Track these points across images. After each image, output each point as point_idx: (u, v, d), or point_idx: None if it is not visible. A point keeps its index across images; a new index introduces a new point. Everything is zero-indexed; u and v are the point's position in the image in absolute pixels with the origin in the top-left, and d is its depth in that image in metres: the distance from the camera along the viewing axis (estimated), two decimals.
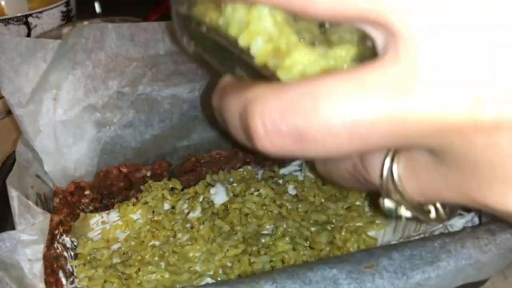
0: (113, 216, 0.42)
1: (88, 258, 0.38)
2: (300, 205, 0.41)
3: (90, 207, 0.42)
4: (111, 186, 0.43)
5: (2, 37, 0.37)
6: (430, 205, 0.21)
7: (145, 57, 0.42)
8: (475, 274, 0.28)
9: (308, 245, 0.38)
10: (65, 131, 0.40)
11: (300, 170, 0.46)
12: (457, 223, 0.39)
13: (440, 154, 0.18)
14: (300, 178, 0.45)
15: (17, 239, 0.31)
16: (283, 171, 0.46)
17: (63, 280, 0.35)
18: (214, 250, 0.37)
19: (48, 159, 0.39)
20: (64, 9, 0.70)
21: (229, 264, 0.36)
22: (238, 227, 0.39)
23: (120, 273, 0.36)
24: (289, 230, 0.39)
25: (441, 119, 0.16)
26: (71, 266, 0.37)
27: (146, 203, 0.42)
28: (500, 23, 0.15)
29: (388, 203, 0.20)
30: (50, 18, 0.68)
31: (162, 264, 0.37)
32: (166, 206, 0.42)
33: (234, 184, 0.43)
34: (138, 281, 0.35)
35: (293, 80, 0.19)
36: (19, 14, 0.66)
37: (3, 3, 0.78)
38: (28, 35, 0.67)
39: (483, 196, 0.18)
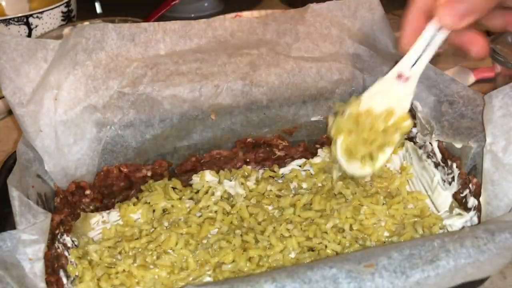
0: (113, 215, 0.42)
1: (89, 257, 0.38)
2: (297, 204, 0.41)
3: (91, 207, 0.42)
4: (112, 185, 0.43)
5: (3, 38, 0.37)
6: None
7: (145, 57, 0.42)
8: (475, 273, 0.28)
9: (306, 246, 0.38)
10: (66, 131, 0.40)
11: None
12: (456, 223, 0.39)
13: None
14: (300, 177, 0.45)
15: (18, 239, 0.31)
16: (282, 170, 0.47)
17: (64, 280, 0.35)
18: (214, 250, 0.37)
19: (48, 158, 0.39)
20: (65, 9, 0.71)
21: (228, 263, 0.36)
22: (237, 227, 0.40)
23: (120, 272, 0.36)
24: (288, 229, 0.39)
25: None
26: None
27: (146, 202, 0.42)
28: None
29: None
30: (51, 18, 0.68)
31: (162, 263, 0.37)
32: (167, 205, 0.42)
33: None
34: (138, 280, 0.36)
35: None
36: (20, 15, 0.66)
37: (3, 3, 0.78)
38: (29, 35, 0.67)
39: None
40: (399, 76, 0.36)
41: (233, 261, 0.37)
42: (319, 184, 0.44)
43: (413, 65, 0.35)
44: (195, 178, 0.44)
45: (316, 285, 0.26)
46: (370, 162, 0.38)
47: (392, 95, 0.37)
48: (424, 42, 0.33)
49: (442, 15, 0.30)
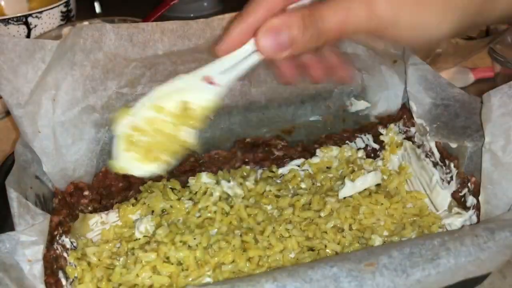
0: (112, 216, 0.42)
1: (87, 258, 0.38)
2: (296, 204, 0.41)
3: (89, 208, 0.42)
4: (110, 186, 0.43)
5: (1, 38, 0.37)
6: None
7: (143, 58, 0.42)
8: (475, 270, 0.28)
9: (305, 246, 0.38)
10: (64, 131, 0.39)
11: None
12: (455, 222, 0.39)
13: None
14: (298, 177, 0.45)
15: (16, 240, 0.31)
16: (281, 170, 0.47)
17: (63, 281, 0.35)
18: (213, 250, 0.37)
19: (47, 159, 0.39)
20: (64, 9, 0.70)
21: (228, 264, 0.36)
22: (237, 228, 0.39)
23: (118, 274, 0.36)
24: (287, 229, 0.39)
25: None
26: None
27: (145, 203, 0.42)
28: None
29: None
30: (50, 18, 0.68)
31: (161, 264, 0.37)
32: (165, 206, 0.42)
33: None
34: (137, 281, 0.35)
35: None
36: (19, 14, 0.66)
37: (2, 3, 0.78)
38: (28, 35, 0.67)
39: None
40: (206, 79, 0.33)
41: (233, 261, 0.36)
42: (318, 184, 0.44)
43: (223, 73, 0.32)
44: (191, 181, 0.44)
45: (317, 284, 0.26)
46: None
47: (192, 92, 0.33)
48: (240, 57, 0.31)
49: (260, 40, 0.28)
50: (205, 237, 0.38)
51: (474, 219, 0.38)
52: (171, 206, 0.41)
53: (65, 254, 0.37)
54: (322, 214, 0.40)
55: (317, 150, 0.47)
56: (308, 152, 0.48)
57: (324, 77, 0.35)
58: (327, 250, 0.37)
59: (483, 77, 0.63)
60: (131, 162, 0.34)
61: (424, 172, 0.44)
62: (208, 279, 0.36)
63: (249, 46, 0.31)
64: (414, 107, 0.44)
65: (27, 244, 0.32)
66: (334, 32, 0.28)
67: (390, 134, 0.47)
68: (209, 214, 0.41)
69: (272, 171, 0.46)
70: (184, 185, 0.44)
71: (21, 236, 0.31)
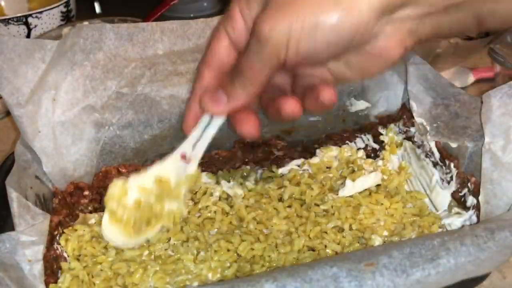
0: None
1: (86, 258, 0.37)
2: (297, 204, 0.41)
3: (89, 208, 0.42)
4: None
5: (1, 38, 0.37)
6: None
7: (143, 58, 0.42)
8: (475, 270, 0.28)
9: (306, 246, 0.38)
10: (64, 131, 0.40)
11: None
12: (455, 222, 0.39)
13: None
14: (298, 177, 0.45)
15: (16, 240, 0.31)
16: (281, 170, 0.47)
17: None
18: (213, 251, 0.37)
19: (47, 159, 0.39)
20: (64, 9, 0.70)
21: (228, 264, 0.36)
22: (237, 228, 0.39)
23: (117, 274, 0.36)
24: (287, 229, 0.39)
25: None
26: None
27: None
28: None
29: None
30: (50, 18, 0.68)
31: (160, 265, 0.37)
32: None
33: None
34: (134, 281, 0.35)
35: None
36: (19, 14, 0.66)
37: (3, 3, 0.78)
38: (28, 35, 0.67)
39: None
40: (182, 156, 0.36)
41: (233, 261, 0.36)
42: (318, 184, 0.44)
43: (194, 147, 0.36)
44: None
45: (317, 284, 0.26)
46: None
47: (174, 172, 0.36)
48: (203, 126, 0.35)
49: (206, 104, 0.32)
50: (205, 236, 0.38)
51: (474, 219, 0.38)
52: None
53: (65, 254, 0.37)
54: (323, 214, 0.40)
55: (317, 150, 0.47)
56: (308, 152, 0.48)
57: (300, 108, 0.32)
58: (327, 250, 0.37)
59: (483, 77, 0.63)
60: (114, 235, 0.36)
61: (424, 172, 0.44)
62: (208, 279, 0.36)
63: (205, 115, 0.35)
64: (414, 106, 0.44)
65: (27, 244, 0.32)
66: None
67: (390, 134, 0.47)
68: (209, 214, 0.41)
69: (272, 171, 0.46)
70: None
71: (21, 236, 0.31)
